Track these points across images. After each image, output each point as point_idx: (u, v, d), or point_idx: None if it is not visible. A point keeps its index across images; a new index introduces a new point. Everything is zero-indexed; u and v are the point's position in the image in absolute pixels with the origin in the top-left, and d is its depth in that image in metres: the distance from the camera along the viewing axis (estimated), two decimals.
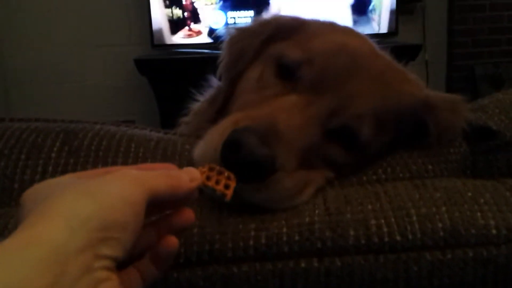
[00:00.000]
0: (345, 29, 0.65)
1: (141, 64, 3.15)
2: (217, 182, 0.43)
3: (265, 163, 0.45)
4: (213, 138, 0.49)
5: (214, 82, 0.72)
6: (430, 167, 0.54)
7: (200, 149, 0.50)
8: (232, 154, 0.44)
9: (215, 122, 0.56)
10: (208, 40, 3.28)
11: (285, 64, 0.57)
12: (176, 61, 3.22)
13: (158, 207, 0.40)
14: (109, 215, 0.34)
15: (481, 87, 3.60)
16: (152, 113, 3.36)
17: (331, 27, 0.65)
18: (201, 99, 0.72)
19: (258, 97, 0.57)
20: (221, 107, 0.65)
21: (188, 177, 0.41)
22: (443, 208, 0.46)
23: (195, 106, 0.72)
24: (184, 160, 0.55)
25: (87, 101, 3.56)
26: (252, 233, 0.45)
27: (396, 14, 3.25)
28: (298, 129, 0.50)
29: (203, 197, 0.46)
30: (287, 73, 0.57)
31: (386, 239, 0.44)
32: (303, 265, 0.44)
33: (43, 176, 0.52)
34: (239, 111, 0.56)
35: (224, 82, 0.67)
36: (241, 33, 0.69)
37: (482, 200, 0.47)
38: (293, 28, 0.63)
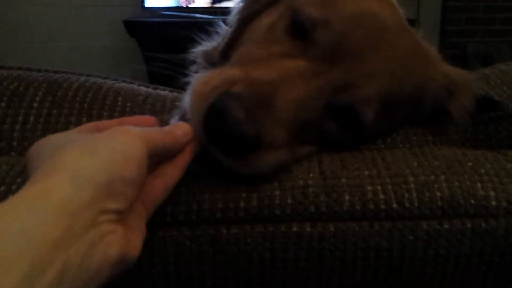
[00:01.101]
0: None
1: (131, 26, 3.10)
2: None
3: (247, 140, 0.41)
4: (202, 92, 0.45)
5: (223, 28, 0.67)
6: (430, 138, 0.52)
7: (188, 101, 0.46)
8: (215, 124, 0.41)
9: (221, 64, 0.53)
10: (203, 4, 3.23)
11: (300, 21, 0.51)
12: (166, 25, 3.17)
13: (154, 160, 0.41)
14: (114, 170, 0.35)
15: (472, 65, 3.59)
16: (141, 76, 3.32)
17: None
18: (207, 44, 0.67)
19: (264, 51, 0.51)
20: (226, 48, 0.60)
21: (181, 132, 0.42)
22: (442, 177, 0.44)
23: (202, 48, 0.67)
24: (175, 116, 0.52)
25: (74, 62, 3.50)
26: (243, 194, 0.43)
27: None
28: (298, 103, 0.46)
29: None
30: (300, 32, 0.51)
31: (382, 206, 0.43)
32: (295, 229, 0.42)
33: (24, 126, 0.49)
34: (240, 63, 0.51)
35: (235, 22, 0.61)
36: None
37: (482, 171, 0.45)
38: None
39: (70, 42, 3.48)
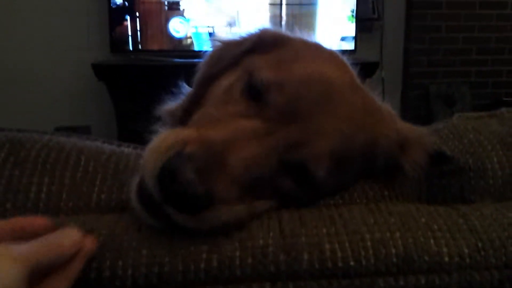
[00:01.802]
0: (328, 55, 0.61)
1: (99, 70, 3.11)
2: None
3: (198, 199, 0.43)
4: (156, 151, 0.46)
5: (186, 89, 0.70)
6: (386, 192, 0.54)
7: (144, 162, 0.47)
8: (168, 183, 0.43)
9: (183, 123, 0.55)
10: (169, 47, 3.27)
11: (255, 83, 0.54)
12: (135, 68, 3.18)
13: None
14: None
15: (434, 105, 3.70)
16: (109, 118, 3.31)
17: (314, 51, 0.61)
18: (171, 103, 0.70)
19: (221, 112, 0.54)
20: (188, 108, 0.63)
21: (69, 243, 0.41)
22: (397, 234, 0.46)
23: (167, 107, 0.69)
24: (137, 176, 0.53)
25: (42, 106, 3.47)
26: (204, 255, 0.43)
27: (355, 32, 3.31)
28: (251, 160, 0.48)
29: None
30: (255, 93, 0.54)
31: (340, 264, 0.44)
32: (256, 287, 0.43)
33: None
34: (198, 124, 0.53)
35: (198, 80, 0.65)
36: (225, 43, 0.66)
37: (435, 226, 0.47)
38: (276, 43, 0.61)
39: (37, 86, 3.45)
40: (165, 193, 0.43)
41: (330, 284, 0.43)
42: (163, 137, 0.48)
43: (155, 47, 3.28)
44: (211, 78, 0.62)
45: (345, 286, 0.43)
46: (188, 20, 3.19)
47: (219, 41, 0.67)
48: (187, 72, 0.71)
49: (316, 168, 0.51)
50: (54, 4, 3.36)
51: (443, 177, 0.55)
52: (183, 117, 0.62)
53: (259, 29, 0.65)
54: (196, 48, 3.24)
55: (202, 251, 0.44)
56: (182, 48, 3.22)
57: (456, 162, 0.55)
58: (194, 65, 0.69)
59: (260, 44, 0.62)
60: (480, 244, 0.46)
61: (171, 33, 3.20)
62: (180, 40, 3.23)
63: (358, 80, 0.60)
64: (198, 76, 0.66)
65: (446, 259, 0.45)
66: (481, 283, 0.45)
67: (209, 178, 0.44)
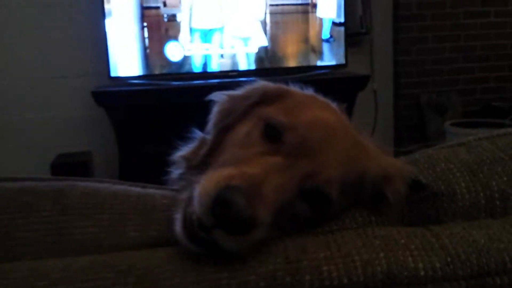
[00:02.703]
0: (322, 104, 0.76)
1: (99, 96, 3.18)
2: None
3: (249, 221, 0.55)
4: (208, 186, 0.57)
5: (198, 134, 0.82)
6: (373, 218, 0.64)
7: (198, 196, 0.57)
8: (222, 210, 0.54)
9: (201, 167, 0.67)
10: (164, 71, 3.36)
11: (273, 125, 0.67)
12: (132, 93, 3.26)
13: None
14: None
15: (426, 114, 3.81)
16: (110, 143, 3.38)
17: (312, 100, 0.76)
18: (185, 148, 0.81)
19: (246, 152, 0.66)
20: (207, 153, 0.75)
21: None
22: (381, 254, 0.56)
23: (182, 153, 0.81)
24: (162, 213, 0.63)
25: (43, 132, 3.54)
26: (224, 281, 0.53)
27: (345, 47, 3.42)
28: (280, 189, 0.60)
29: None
30: (273, 135, 0.67)
31: (336, 282, 0.54)
32: None
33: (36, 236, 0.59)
34: (229, 164, 0.64)
35: (213, 132, 0.77)
36: (231, 97, 0.79)
37: (413, 246, 0.57)
38: (278, 95, 0.75)
39: (38, 114, 3.52)
40: (218, 219, 0.54)
41: None
42: (211, 176, 0.59)
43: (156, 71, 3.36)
44: (225, 128, 0.74)
45: None
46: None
47: (226, 95, 0.80)
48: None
49: (330, 190, 0.64)
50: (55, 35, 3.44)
51: (421, 203, 0.66)
52: (202, 162, 0.73)
53: (260, 84, 0.78)
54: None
55: (223, 277, 0.54)
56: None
57: (431, 188, 0.66)
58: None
59: (265, 97, 0.75)
60: (449, 259, 0.56)
61: (167, 57, 3.30)
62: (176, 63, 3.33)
63: (348, 122, 0.74)
64: (212, 126, 0.78)
65: (422, 273, 0.55)
66: None
67: (253, 205, 0.55)
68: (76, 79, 3.45)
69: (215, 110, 0.79)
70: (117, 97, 3.18)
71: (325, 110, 0.73)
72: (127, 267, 0.54)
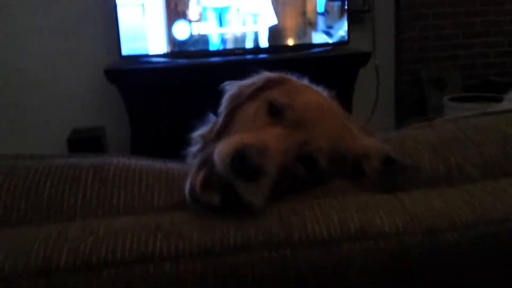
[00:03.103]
0: (316, 91, 0.93)
1: (111, 74, 3.29)
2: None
3: (260, 168, 0.70)
4: (227, 147, 0.72)
5: (212, 117, 0.99)
6: (351, 187, 0.79)
7: (218, 154, 0.72)
8: (240, 162, 0.70)
9: (216, 141, 0.81)
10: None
11: (276, 105, 0.84)
12: (143, 71, 3.38)
13: None
14: None
15: (426, 89, 3.93)
16: (122, 119, 3.50)
17: (307, 88, 0.93)
18: (202, 128, 0.99)
19: (254, 125, 0.83)
20: (220, 129, 0.91)
21: None
22: (355, 214, 0.71)
23: (199, 132, 0.99)
24: (181, 183, 0.78)
25: (56, 108, 3.65)
26: (232, 232, 0.68)
27: (348, 24, 3.52)
28: (280, 151, 0.76)
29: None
30: (275, 112, 0.83)
31: (318, 235, 0.69)
32: (266, 254, 0.68)
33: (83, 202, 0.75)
34: (240, 133, 0.80)
35: (225, 111, 0.94)
36: (239, 85, 0.96)
37: (380, 209, 0.72)
38: (280, 82, 0.92)
39: (50, 90, 3.63)
40: (235, 171, 0.70)
41: (312, 250, 0.69)
42: (227, 140, 0.75)
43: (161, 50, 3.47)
44: (235, 108, 0.92)
45: (323, 252, 0.69)
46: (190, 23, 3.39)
47: (235, 83, 0.98)
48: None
49: (319, 156, 0.80)
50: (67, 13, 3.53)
51: (391, 174, 0.81)
52: (216, 136, 0.90)
53: (264, 75, 0.95)
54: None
55: (230, 229, 0.69)
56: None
57: (400, 162, 0.81)
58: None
59: (269, 83, 0.92)
60: (408, 217, 0.71)
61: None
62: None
63: (337, 107, 0.91)
64: (224, 108, 0.95)
65: (387, 229, 0.70)
66: (410, 243, 0.70)
67: (262, 157, 0.71)
68: (91, 56, 3.57)
69: (226, 95, 0.96)
70: (128, 75, 3.31)
71: (318, 95, 0.90)
72: (157, 225, 0.70)
